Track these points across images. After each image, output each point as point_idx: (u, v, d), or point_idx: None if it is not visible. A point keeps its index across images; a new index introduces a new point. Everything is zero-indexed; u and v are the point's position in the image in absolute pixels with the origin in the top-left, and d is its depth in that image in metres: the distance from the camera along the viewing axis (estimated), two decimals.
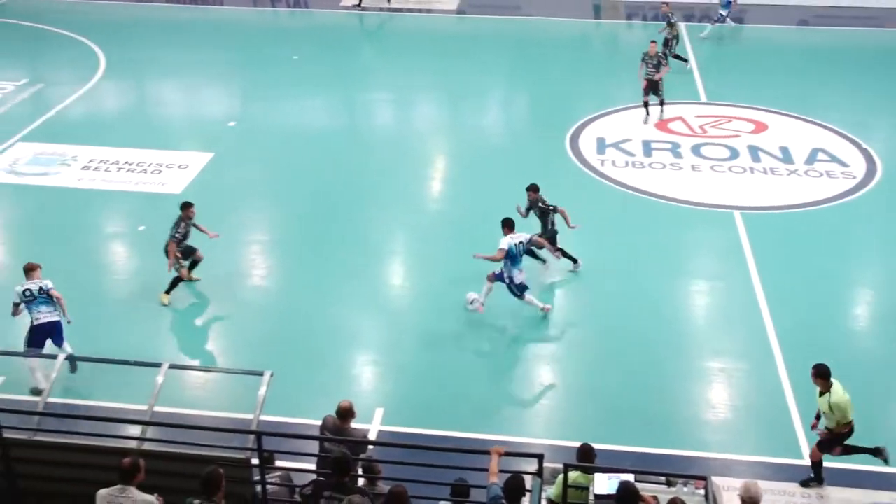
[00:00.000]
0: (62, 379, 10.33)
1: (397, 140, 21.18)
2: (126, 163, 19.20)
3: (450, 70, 25.34)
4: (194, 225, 14.63)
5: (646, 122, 21.30)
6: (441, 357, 13.35)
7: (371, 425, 11.64)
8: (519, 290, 13.89)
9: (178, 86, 24.38)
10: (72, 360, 12.11)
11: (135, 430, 10.21)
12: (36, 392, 11.53)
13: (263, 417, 9.72)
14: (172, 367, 10.33)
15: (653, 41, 21.65)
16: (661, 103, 21.34)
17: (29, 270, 12.65)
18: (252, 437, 8.93)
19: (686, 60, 25.23)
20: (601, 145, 20.37)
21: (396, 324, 14.40)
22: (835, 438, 10.38)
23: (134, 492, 7.86)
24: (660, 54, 21.36)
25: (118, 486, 7.89)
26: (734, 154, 19.86)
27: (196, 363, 13.28)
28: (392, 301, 15.08)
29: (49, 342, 12.25)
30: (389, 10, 30.84)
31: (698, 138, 20.70)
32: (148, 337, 13.71)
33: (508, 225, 13.88)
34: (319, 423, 9.83)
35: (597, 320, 14.35)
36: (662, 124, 21.30)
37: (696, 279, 15.48)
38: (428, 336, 13.91)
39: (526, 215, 15.23)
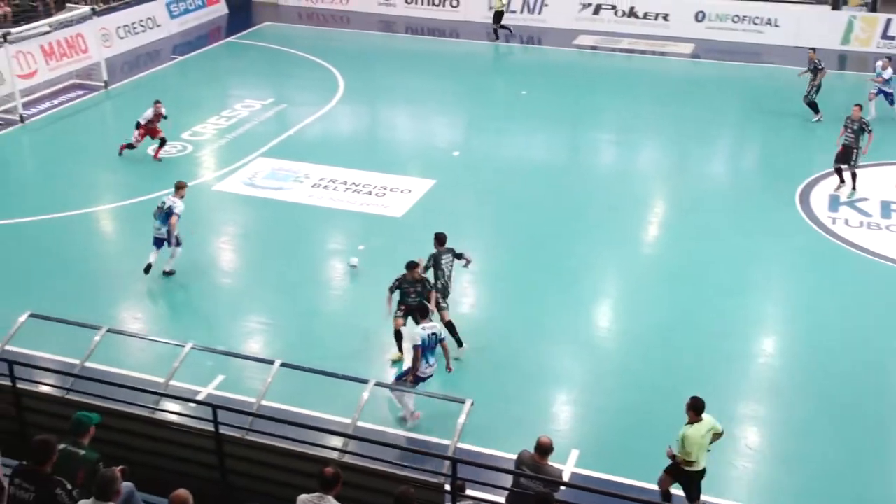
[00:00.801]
0: (276, 383, 10.82)
1: (618, 180, 20.93)
2: (353, 183, 20.02)
3: (679, 114, 24.83)
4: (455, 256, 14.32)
5: (837, 189, 19.71)
6: (643, 404, 12.98)
7: (565, 465, 11.46)
8: (415, 381, 12.34)
9: (408, 113, 25.24)
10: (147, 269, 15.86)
11: (337, 442, 10.53)
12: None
13: (459, 445, 9.77)
14: (378, 384, 10.60)
15: (857, 105, 19.89)
16: (854, 176, 19.53)
17: (178, 188, 16.14)
18: (447, 462, 8.99)
19: (818, 112, 23.68)
20: (834, 203, 19.27)
21: (600, 365, 14.18)
22: (680, 469, 10.48)
23: (332, 501, 8.08)
24: (864, 120, 19.44)
25: (317, 494, 8.13)
26: None
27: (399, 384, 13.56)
28: (598, 341, 14.85)
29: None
30: (623, 50, 30.69)
31: None
32: (358, 352, 14.14)
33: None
34: (514, 456, 9.78)
35: (828, 398, 13.49)
36: None
37: None
38: (631, 381, 13.61)
39: (424, 272, 13.85)
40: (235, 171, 20.50)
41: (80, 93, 25.41)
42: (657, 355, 14.18)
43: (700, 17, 32.06)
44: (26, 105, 24.03)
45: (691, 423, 10.39)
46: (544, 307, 15.48)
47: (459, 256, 14.49)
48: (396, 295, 13.76)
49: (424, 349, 12.20)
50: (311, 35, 32.61)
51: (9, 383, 10.20)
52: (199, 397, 12.44)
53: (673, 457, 10.56)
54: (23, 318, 11.30)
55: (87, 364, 11.06)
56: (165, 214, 15.78)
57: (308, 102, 25.30)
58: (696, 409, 10.39)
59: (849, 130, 19.40)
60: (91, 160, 21.65)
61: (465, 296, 16.05)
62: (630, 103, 25.78)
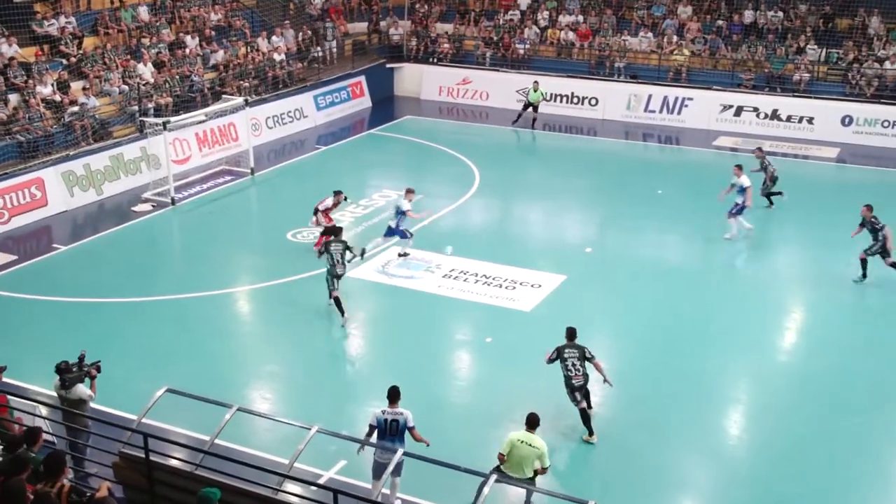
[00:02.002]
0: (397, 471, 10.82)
1: (753, 285, 20.31)
2: (483, 276, 20.12)
3: (821, 220, 24.07)
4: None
5: None
6: None
7: None
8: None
9: (542, 208, 25.33)
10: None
11: None
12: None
13: None
14: (499, 481, 10.44)
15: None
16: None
17: (408, 192, 20.94)
18: None
19: (781, 194, 24.43)
20: None
21: (728, 474, 13.66)
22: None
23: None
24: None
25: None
26: None
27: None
28: (727, 449, 14.28)
29: None
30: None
31: None
32: (480, 445, 14.00)
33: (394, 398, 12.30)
34: None
35: None
36: None
37: None
38: (761, 492, 13.05)
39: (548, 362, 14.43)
40: (369, 258, 20.94)
41: (227, 178, 26.66)
42: (789, 468, 13.60)
43: (847, 121, 31.27)
44: (178, 188, 25.35)
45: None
46: (670, 409, 15.04)
47: (590, 359, 14.24)
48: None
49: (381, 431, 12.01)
50: (450, 129, 33.39)
51: (142, 455, 10.53)
52: (321, 481, 12.52)
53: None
54: (160, 392, 11.71)
55: (217, 441, 11.32)
56: (398, 211, 20.59)
57: (444, 194, 25.77)
58: (529, 423, 11.91)
59: None
60: (234, 243, 22.56)
61: (591, 395, 15.71)
62: (769, 207, 25.16)
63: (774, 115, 32.14)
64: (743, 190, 22.33)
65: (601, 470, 13.50)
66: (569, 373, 14.21)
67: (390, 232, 20.96)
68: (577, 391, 14.20)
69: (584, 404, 14.26)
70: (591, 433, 14.14)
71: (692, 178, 27.65)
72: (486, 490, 10.08)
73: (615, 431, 14.56)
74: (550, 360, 14.34)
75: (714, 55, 34.35)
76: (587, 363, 14.27)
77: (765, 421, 15.09)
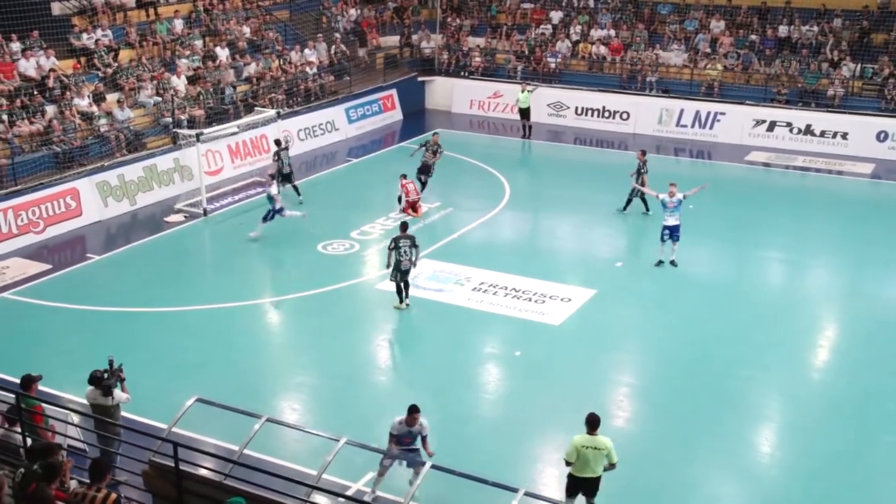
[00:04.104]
0: (425, 484, 10.79)
1: (786, 301, 20.11)
2: (512, 289, 20.07)
3: (855, 236, 23.80)
4: None
5: None
6: None
7: None
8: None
9: (572, 222, 25.23)
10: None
11: None
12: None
13: None
14: (528, 494, 10.38)
15: None
16: None
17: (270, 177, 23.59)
18: None
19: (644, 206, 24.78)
20: None
21: (757, 491, 13.49)
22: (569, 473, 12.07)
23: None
24: None
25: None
26: None
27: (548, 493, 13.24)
28: (758, 468, 14.10)
29: None
30: (797, 168, 29.94)
31: None
32: (508, 459, 13.95)
33: None
34: None
35: None
36: None
37: None
38: None
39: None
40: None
41: (258, 190, 26.81)
42: (821, 487, 13.45)
43: (882, 136, 30.93)
44: (210, 199, 25.55)
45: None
46: (700, 426, 14.90)
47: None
48: None
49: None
50: (481, 142, 33.42)
51: (172, 464, 10.58)
52: (349, 493, 12.52)
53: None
54: (190, 402, 11.78)
55: (246, 451, 11.35)
56: (269, 196, 22.52)
57: (474, 208, 25.77)
58: (589, 423, 11.81)
59: None
60: (265, 254, 22.69)
61: (620, 409, 15.65)
62: (802, 222, 24.96)
63: (808, 131, 31.89)
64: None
65: (629, 484, 13.37)
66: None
67: (271, 214, 22.77)
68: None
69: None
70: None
71: (724, 194, 27.43)
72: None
73: (644, 446, 14.44)
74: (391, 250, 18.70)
75: (747, 70, 34.15)
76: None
77: (796, 439, 14.92)
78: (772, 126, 32.33)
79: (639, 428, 15.16)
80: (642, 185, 24.34)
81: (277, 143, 26.31)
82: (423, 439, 12.61)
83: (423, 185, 26.17)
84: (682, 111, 33.60)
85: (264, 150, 28.97)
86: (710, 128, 33.22)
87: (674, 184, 21.34)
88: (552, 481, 13.58)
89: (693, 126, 33.44)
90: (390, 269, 19.16)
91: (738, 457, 14.31)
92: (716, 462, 14.10)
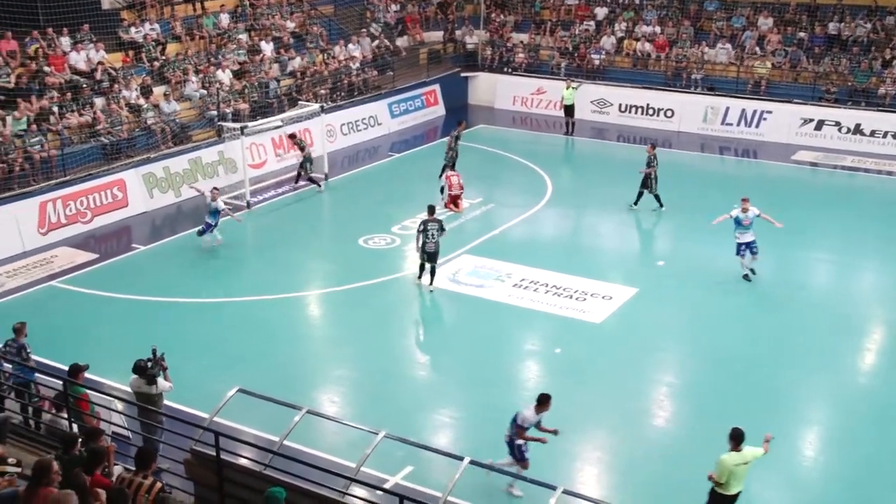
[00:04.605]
0: (463, 479, 10.79)
1: (831, 303, 19.81)
2: (553, 286, 19.99)
3: None
4: None
5: None
6: None
7: None
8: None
9: (615, 220, 25.02)
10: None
11: None
12: None
13: None
14: (566, 492, 10.34)
15: None
16: None
17: (214, 190, 22.04)
18: None
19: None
20: None
21: (799, 495, 13.45)
22: (712, 491, 11.56)
23: None
24: None
25: None
26: None
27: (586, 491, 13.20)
28: (798, 470, 13.97)
29: None
30: (846, 168, 29.48)
31: None
32: (546, 457, 13.90)
33: None
34: None
35: None
36: None
37: None
38: None
39: None
40: (440, 266, 20.96)
41: (302, 183, 26.97)
42: (862, 494, 13.26)
43: None
44: (253, 192, 25.76)
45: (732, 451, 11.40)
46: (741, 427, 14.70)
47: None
48: None
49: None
50: (523, 138, 33.33)
51: (213, 453, 10.70)
52: (387, 486, 12.56)
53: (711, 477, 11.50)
54: (231, 392, 11.89)
55: (286, 442, 11.44)
56: (215, 211, 21.84)
57: (515, 204, 25.71)
58: (733, 438, 11.43)
59: None
60: (306, 247, 22.84)
61: (661, 408, 15.53)
62: (850, 223, 24.54)
63: (857, 130, 31.36)
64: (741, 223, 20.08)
65: (669, 484, 13.27)
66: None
67: (208, 228, 22.13)
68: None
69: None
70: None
71: (770, 193, 27.05)
72: (552, 501, 9.99)
73: (684, 446, 14.32)
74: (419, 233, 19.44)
75: (795, 67, 33.68)
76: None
77: (839, 444, 14.69)
78: (820, 125, 31.85)
79: (679, 428, 15.04)
80: (654, 179, 24.56)
81: (292, 136, 27.14)
82: (539, 423, 12.88)
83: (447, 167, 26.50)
84: (727, 109, 33.23)
85: (307, 144, 29.14)
86: (756, 126, 32.80)
87: (746, 199, 20.35)
88: (590, 479, 13.54)
89: (739, 124, 33.05)
90: (418, 251, 19.64)
91: (779, 460, 14.08)
92: (756, 464, 13.88)
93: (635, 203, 24.99)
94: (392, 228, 23.51)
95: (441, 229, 19.67)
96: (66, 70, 26.03)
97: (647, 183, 24.80)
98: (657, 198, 24.84)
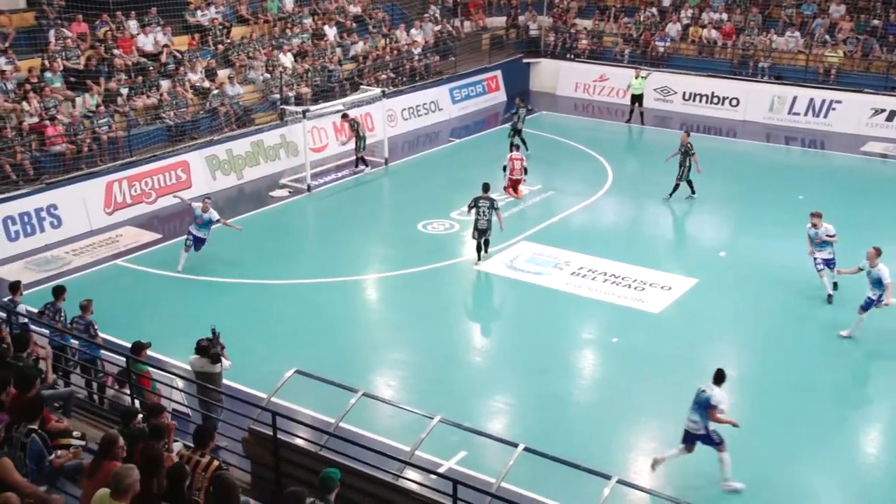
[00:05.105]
0: (517, 466, 10.78)
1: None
2: (612, 275, 19.83)
3: None
4: None
5: None
6: None
7: None
8: None
9: (674, 209, 24.74)
10: None
11: None
12: None
13: None
14: (620, 482, 10.28)
15: None
16: None
17: (205, 200, 19.92)
18: None
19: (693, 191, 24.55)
20: None
21: (863, 493, 13.11)
22: None
23: None
24: None
25: None
26: None
27: (640, 482, 13.10)
28: (860, 468, 13.67)
29: None
30: None
31: None
32: (601, 446, 13.84)
33: None
34: None
35: None
36: None
37: None
38: None
39: None
40: (498, 252, 20.94)
41: (362, 167, 27.10)
42: None
43: None
44: (314, 176, 25.97)
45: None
46: (800, 422, 14.49)
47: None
48: None
49: None
50: (585, 126, 33.06)
51: (270, 433, 10.85)
52: (441, 470, 12.61)
53: None
54: (289, 373, 12.02)
55: (342, 424, 11.55)
56: (208, 222, 19.91)
57: (575, 192, 25.54)
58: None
59: None
60: (366, 231, 22.96)
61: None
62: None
63: None
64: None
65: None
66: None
67: (201, 242, 20.11)
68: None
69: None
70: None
71: (837, 185, 26.49)
72: (606, 491, 9.94)
73: (743, 439, 14.12)
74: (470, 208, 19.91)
75: (867, 56, 32.83)
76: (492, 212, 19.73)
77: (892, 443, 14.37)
78: (891, 116, 31.01)
79: (738, 420, 14.81)
80: (688, 167, 24.39)
81: (345, 116, 27.24)
82: (710, 410, 12.71)
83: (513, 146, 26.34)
84: (794, 98, 32.55)
85: (367, 129, 29.26)
86: (825, 116, 32.08)
87: (816, 213, 18.72)
88: (645, 469, 13.41)
89: (806, 114, 32.36)
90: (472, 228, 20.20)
91: (840, 456, 13.87)
92: (817, 459, 13.70)
93: (671, 194, 24.80)
94: (451, 214, 23.52)
95: (493, 207, 20.01)
96: (133, 53, 26.48)
97: (682, 173, 24.51)
98: (690, 184, 24.61)
